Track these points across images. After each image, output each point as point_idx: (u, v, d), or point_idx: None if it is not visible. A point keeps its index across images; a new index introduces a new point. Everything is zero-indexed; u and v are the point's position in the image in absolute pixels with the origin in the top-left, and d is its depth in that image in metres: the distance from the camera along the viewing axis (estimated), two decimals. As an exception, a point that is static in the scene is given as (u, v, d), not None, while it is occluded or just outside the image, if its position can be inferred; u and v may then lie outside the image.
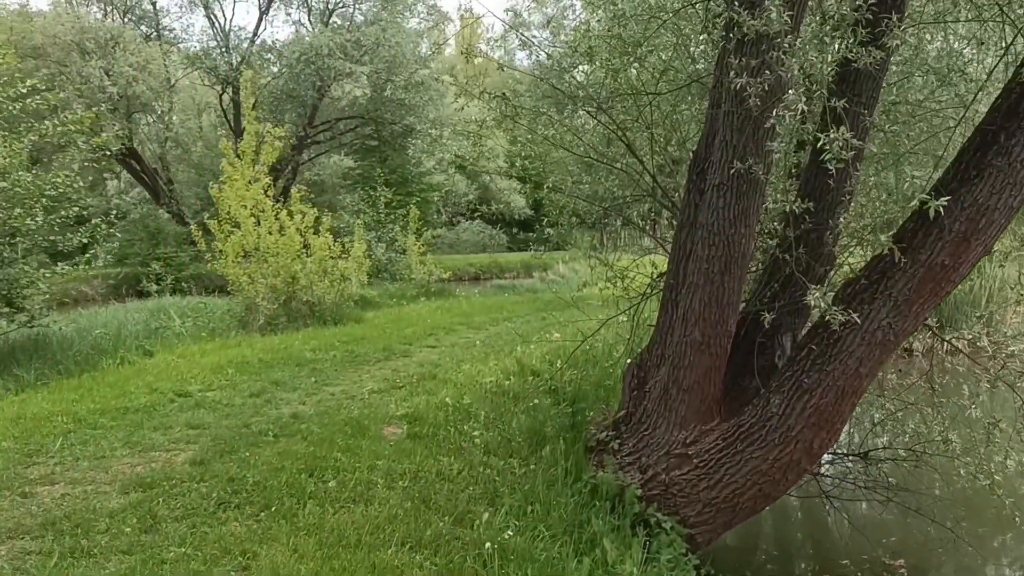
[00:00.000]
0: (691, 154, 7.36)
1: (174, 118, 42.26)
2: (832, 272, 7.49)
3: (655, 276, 8.64)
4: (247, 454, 7.33)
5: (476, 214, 44.22)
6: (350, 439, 7.67)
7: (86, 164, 16.41)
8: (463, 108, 8.32)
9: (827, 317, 5.45)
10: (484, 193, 56.26)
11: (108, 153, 31.79)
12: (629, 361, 7.58)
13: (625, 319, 10.68)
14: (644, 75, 7.87)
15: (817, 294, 5.35)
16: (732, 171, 6.28)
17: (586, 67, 8.22)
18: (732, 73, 6.06)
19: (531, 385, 10.76)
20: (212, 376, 11.38)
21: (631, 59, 7.32)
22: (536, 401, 9.93)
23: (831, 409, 6.06)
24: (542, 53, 9.78)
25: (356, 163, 43.48)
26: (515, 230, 54.97)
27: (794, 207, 6.52)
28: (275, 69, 40.35)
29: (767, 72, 5.77)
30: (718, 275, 6.44)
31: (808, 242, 7.04)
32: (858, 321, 5.67)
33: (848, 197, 7.34)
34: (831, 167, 5.32)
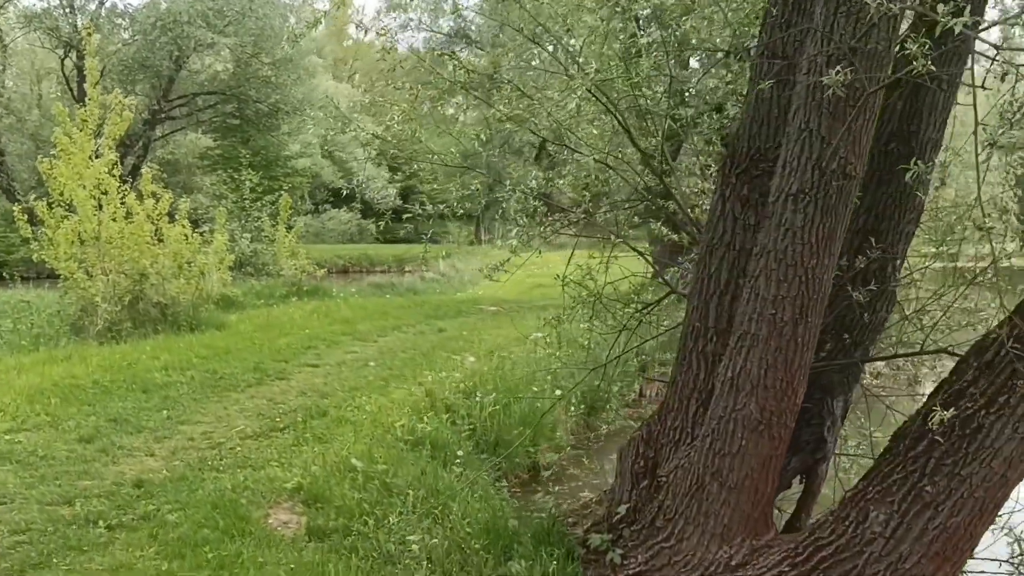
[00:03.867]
0: (724, 146, 5.34)
1: (8, 83, 37.62)
2: (889, 312, 5.64)
3: (640, 306, 6.56)
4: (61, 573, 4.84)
5: (353, 203, 41.68)
6: (223, 541, 5.24)
7: None
8: (390, 84, 5.92)
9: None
10: (351, 180, 53.52)
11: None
12: (629, 437, 5.50)
13: (545, 326, 8.57)
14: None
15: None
16: (821, 175, 4.28)
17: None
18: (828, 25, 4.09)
19: (446, 427, 8.59)
20: (28, 407, 8.57)
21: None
22: (461, 453, 7.79)
23: (963, 532, 4.14)
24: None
25: (216, 142, 40.03)
26: (385, 221, 52.20)
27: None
28: (126, 35, 36.52)
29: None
30: (789, 325, 4.44)
31: (869, 275, 5.16)
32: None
33: (916, 217, 5.54)
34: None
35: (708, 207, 7.30)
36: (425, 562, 5.16)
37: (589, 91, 5.11)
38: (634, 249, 6.62)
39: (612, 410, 7.69)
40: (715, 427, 4.69)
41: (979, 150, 3.12)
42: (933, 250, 5.83)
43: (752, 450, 4.57)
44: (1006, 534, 5.37)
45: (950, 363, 5.64)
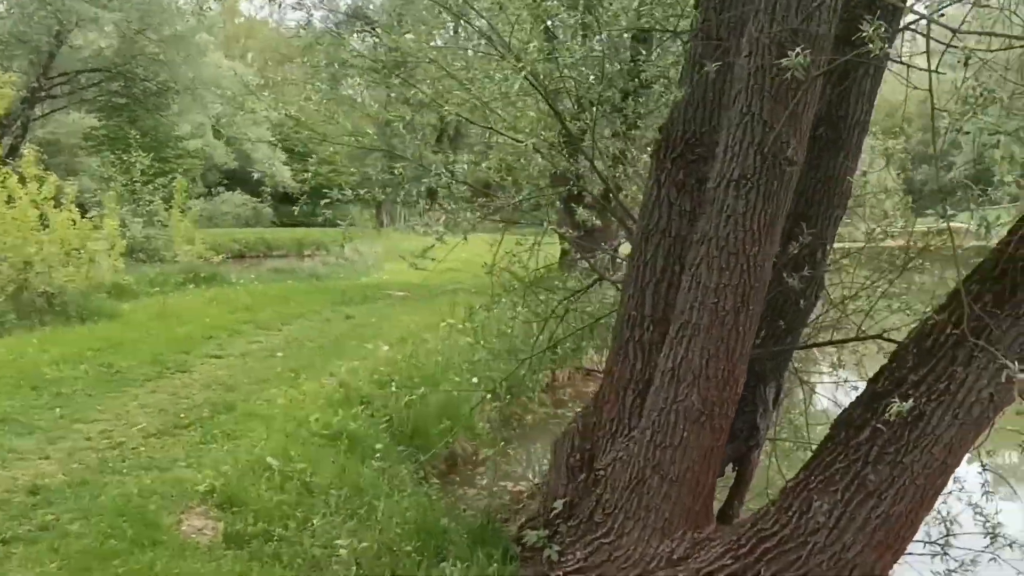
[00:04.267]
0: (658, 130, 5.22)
1: None
2: (818, 298, 5.64)
3: (567, 294, 6.39)
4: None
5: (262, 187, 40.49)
6: (133, 552, 4.87)
7: None
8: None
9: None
10: (245, 162, 52.10)
11: None
12: (563, 430, 5.34)
13: (455, 320, 8.47)
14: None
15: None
16: (763, 161, 4.20)
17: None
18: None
19: (364, 420, 8.30)
20: (-98, 410, 7.93)
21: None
22: (380, 446, 7.53)
23: (904, 520, 4.14)
24: None
25: (101, 122, 38.22)
26: (300, 206, 50.80)
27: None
28: (1, 8, 34.52)
29: None
30: (731, 313, 4.35)
31: (801, 260, 5.12)
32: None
33: (844, 202, 5.55)
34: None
35: (630, 192, 7.23)
36: (354, 567, 4.90)
37: (526, 77, 4.89)
38: (561, 235, 6.46)
39: (534, 399, 7.53)
40: (655, 419, 4.58)
41: (941, 135, 3.05)
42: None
43: (694, 442, 4.47)
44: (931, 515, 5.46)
45: (871, 347, 5.74)
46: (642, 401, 4.92)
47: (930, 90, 3.16)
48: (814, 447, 7.01)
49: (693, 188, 4.89)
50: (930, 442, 4.03)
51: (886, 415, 3.89)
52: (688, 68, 4.98)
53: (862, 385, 6.32)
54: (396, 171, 5.92)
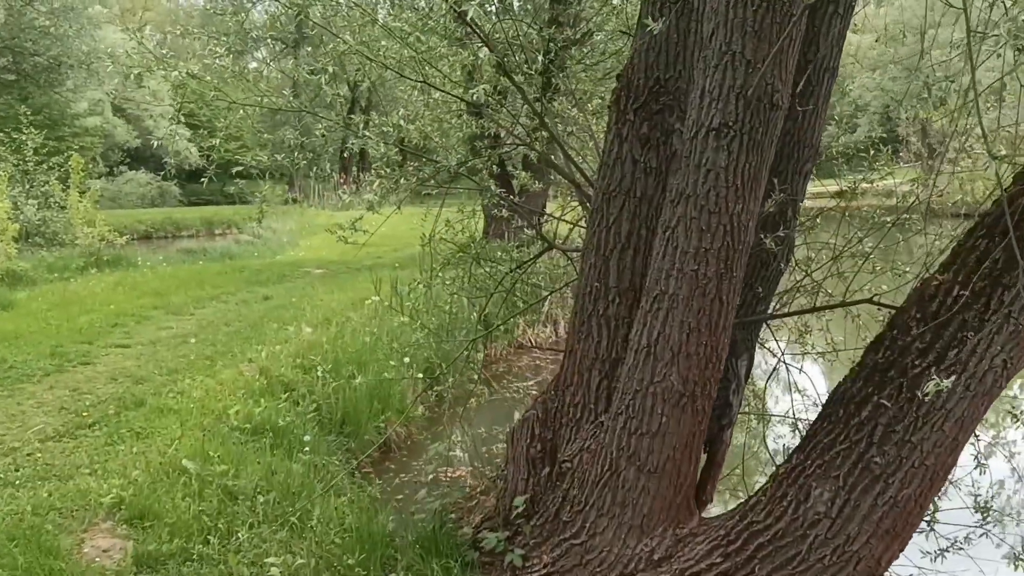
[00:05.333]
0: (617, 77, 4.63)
1: None
2: (788, 261, 5.18)
3: (512, 267, 5.79)
4: None
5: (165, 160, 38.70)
6: (28, 583, 4.17)
7: None
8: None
9: None
10: (148, 141, 50.09)
11: None
12: (521, 416, 4.77)
13: (381, 297, 7.88)
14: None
15: None
16: (746, 106, 3.68)
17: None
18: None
19: (288, 409, 7.62)
20: None
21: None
22: (308, 438, 6.88)
23: (913, 504, 3.69)
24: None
25: (-12, 101, 36.09)
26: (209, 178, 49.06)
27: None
28: None
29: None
30: (713, 281, 3.83)
31: (776, 219, 4.65)
32: None
33: (814, 155, 5.10)
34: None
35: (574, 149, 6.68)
36: (290, 588, 4.27)
37: (469, 23, 4.25)
38: (505, 200, 5.85)
39: (476, 380, 6.97)
40: (629, 403, 4.04)
41: (979, 59, 2.56)
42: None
43: (674, 428, 3.95)
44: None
45: (838, 313, 5.32)
46: (609, 383, 4.40)
47: (965, 11, 2.67)
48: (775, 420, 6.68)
49: (659, 142, 4.35)
50: (940, 418, 3.59)
51: (919, 393, 3.43)
52: (648, 5, 4.42)
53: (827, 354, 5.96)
54: (319, 133, 5.25)
